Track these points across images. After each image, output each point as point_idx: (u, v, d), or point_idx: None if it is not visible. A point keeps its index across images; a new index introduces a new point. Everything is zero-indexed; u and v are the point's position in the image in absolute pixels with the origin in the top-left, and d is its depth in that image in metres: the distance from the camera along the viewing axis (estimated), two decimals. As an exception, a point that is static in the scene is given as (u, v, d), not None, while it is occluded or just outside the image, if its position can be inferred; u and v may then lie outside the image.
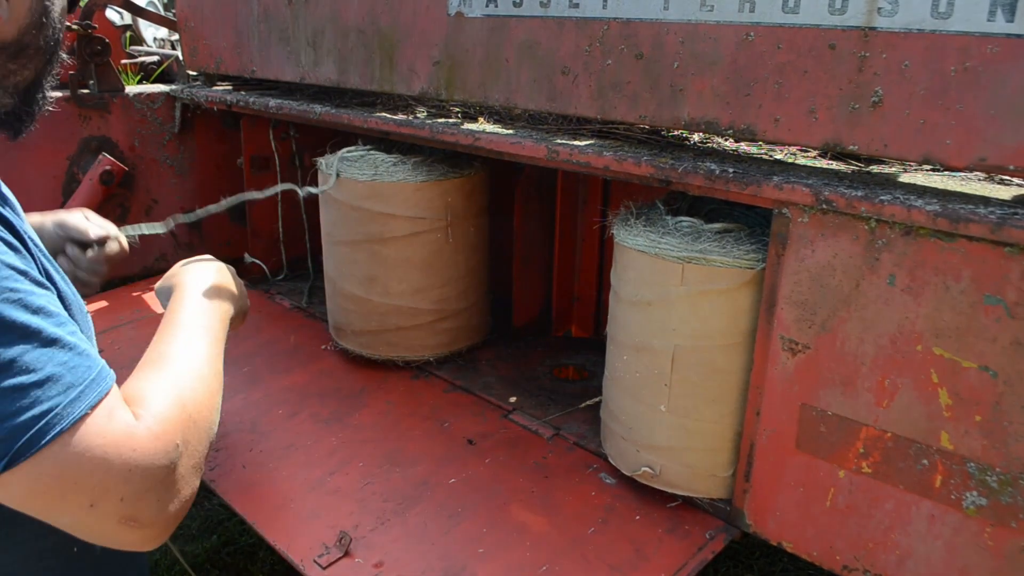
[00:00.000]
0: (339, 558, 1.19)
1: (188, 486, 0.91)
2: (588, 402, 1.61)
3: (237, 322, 1.27)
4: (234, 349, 1.88)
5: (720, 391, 1.21)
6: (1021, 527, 0.95)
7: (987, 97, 0.90)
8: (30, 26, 0.94)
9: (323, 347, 1.88)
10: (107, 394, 0.85)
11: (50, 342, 0.81)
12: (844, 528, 1.10)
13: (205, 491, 2.54)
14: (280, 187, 1.55)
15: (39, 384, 0.79)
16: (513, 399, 1.64)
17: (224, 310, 1.21)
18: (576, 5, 1.26)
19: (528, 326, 1.96)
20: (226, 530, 2.47)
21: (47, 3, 0.95)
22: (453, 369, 1.77)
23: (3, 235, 0.84)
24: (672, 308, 1.20)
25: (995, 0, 0.88)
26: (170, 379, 0.98)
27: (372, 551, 1.21)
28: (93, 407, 0.83)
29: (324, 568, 1.17)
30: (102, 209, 2.22)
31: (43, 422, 0.79)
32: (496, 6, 1.37)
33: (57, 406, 0.80)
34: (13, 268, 0.81)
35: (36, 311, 0.81)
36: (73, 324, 0.87)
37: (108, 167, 2.15)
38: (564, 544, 1.22)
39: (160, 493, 0.87)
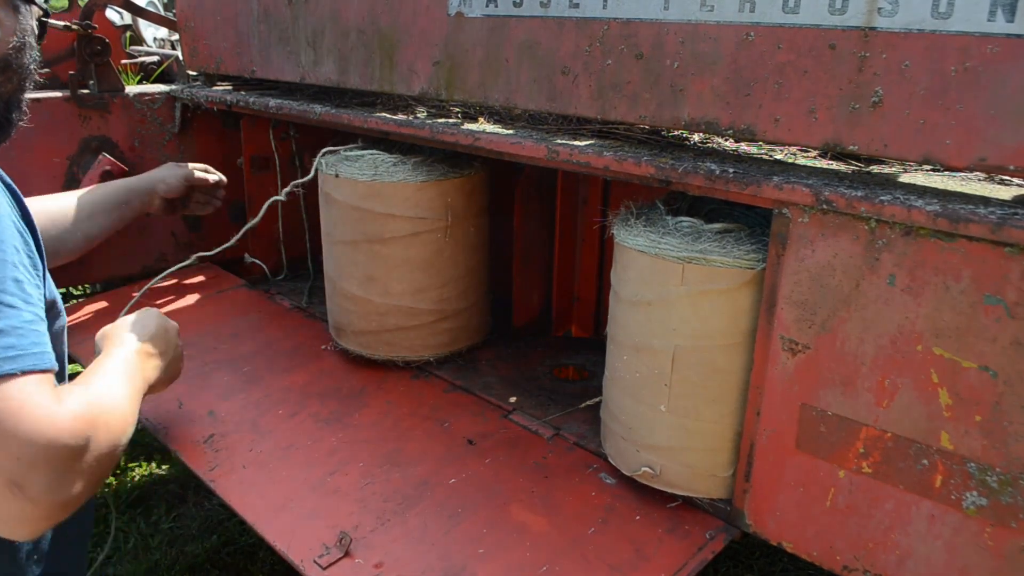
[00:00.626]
0: (339, 558, 1.19)
1: (83, 482, 0.96)
2: (588, 402, 1.61)
3: (161, 384, 1.41)
4: (234, 349, 1.89)
5: (720, 391, 1.21)
6: (1021, 527, 0.95)
7: (987, 97, 0.90)
8: (13, 47, 1.13)
9: (323, 347, 1.88)
10: (44, 371, 0.95)
11: (12, 308, 0.94)
12: (844, 528, 1.10)
13: (205, 491, 2.54)
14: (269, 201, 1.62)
15: None
16: (513, 399, 1.64)
17: (145, 369, 1.33)
18: (576, 5, 1.26)
19: (528, 326, 1.96)
20: (226, 530, 2.47)
21: (26, 26, 1.15)
22: (453, 369, 1.77)
23: (15, 220, 0.99)
24: (672, 308, 1.20)
25: (995, 0, 0.88)
26: (93, 393, 1.08)
27: (372, 551, 1.21)
28: (26, 372, 0.92)
29: (324, 568, 1.17)
30: (102, 209, 2.21)
31: None
32: (496, 6, 1.37)
33: None
34: (15, 246, 0.96)
35: (17, 281, 0.95)
36: (40, 311, 0.98)
37: (108, 167, 2.15)
38: (564, 544, 1.22)
39: (54, 473, 0.91)
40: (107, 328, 1.39)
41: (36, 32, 1.16)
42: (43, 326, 0.98)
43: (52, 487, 0.91)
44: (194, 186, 2.05)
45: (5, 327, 0.91)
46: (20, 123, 1.24)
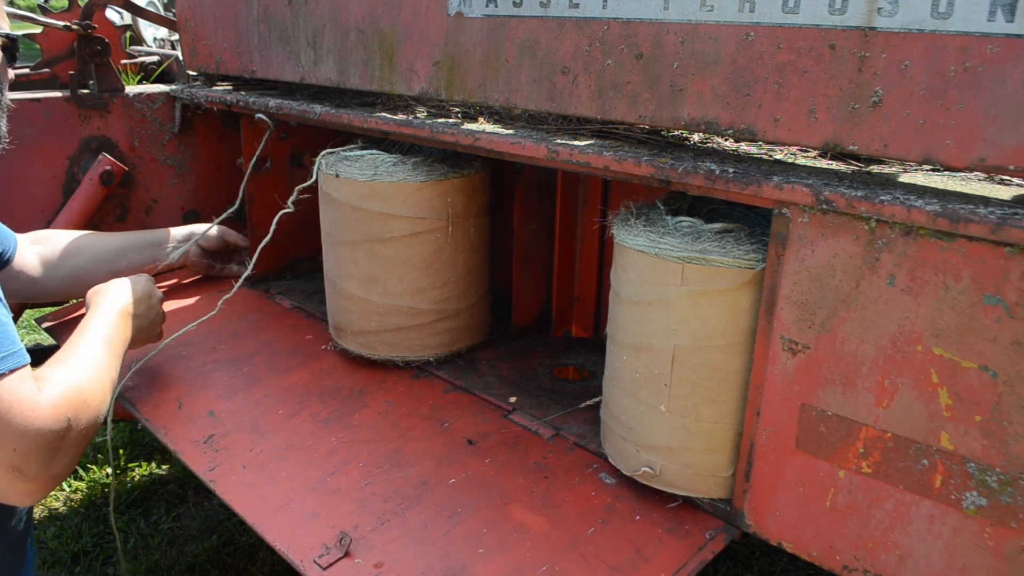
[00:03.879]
0: (339, 558, 1.19)
1: (70, 455, 1.14)
2: (588, 402, 1.61)
3: (138, 343, 1.60)
4: (234, 349, 1.89)
5: (720, 391, 1.21)
6: (1021, 527, 0.95)
7: (987, 97, 0.90)
8: None
9: (323, 347, 1.88)
10: (22, 366, 1.08)
11: None
12: (844, 528, 1.10)
13: (205, 491, 2.55)
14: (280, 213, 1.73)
15: None
16: (513, 399, 1.64)
17: (125, 329, 1.51)
18: (576, 5, 1.26)
19: (528, 326, 1.96)
20: (226, 530, 2.47)
21: None
22: (453, 369, 1.77)
23: None
24: (672, 308, 1.20)
25: (995, 0, 0.88)
26: (71, 370, 1.23)
27: (372, 551, 1.21)
28: (11, 371, 1.06)
29: (324, 568, 1.17)
30: (102, 209, 2.22)
31: None
32: (496, 6, 1.37)
33: None
34: None
35: None
36: (7, 312, 1.09)
37: (108, 167, 2.15)
38: (564, 544, 1.22)
39: (47, 453, 1.09)
40: (98, 287, 1.58)
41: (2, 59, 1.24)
42: (12, 323, 1.11)
43: (47, 464, 1.09)
44: (229, 244, 2.18)
45: None
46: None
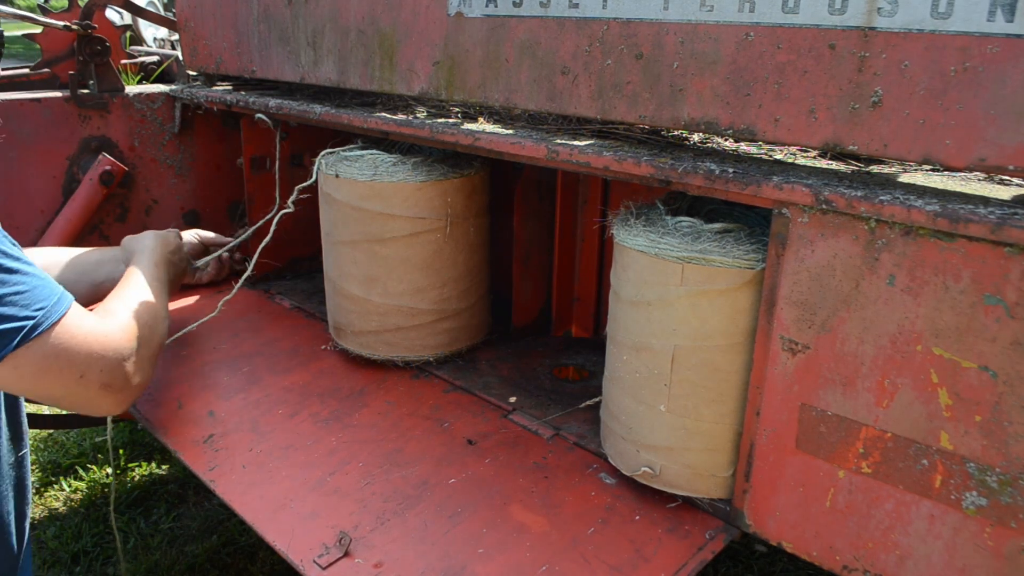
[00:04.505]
0: (339, 558, 1.19)
1: (146, 370, 1.37)
2: (588, 402, 1.61)
3: (177, 281, 1.84)
4: (234, 349, 1.89)
5: (720, 391, 1.21)
6: (1021, 527, 0.95)
7: (987, 97, 0.90)
8: None
9: (323, 347, 1.88)
10: (72, 304, 1.22)
11: (29, 266, 1.15)
12: (844, 528, 1.10)
13: (205, 491, 2.55)
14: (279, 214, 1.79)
15: (31, 291, 1.13)
16: (513, 399, 1.64)
17: (163, 271, 1.70)
18: (576, 5, 1.26)
19: (528, 326, 1.96)
20: (226, 530, 2.47)
21: None
22: (453, 369, 1.77)
23: None
24: (672, 308, 1.20)
25: (995, 0, 0.88)
26: (130, 302, 1.45)
27: (372, 551, 1.21)
28: (68, 309, 1.19)
29: (324, 568, 1.17)
30: (102, 209, 2.22)
31: (41, 314, 1.14)
32: (496, 6, 1.37)
33: (47, 305, 1.15)
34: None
35: (15, 258, 1.13)
36: (36, 266, 1.20)
37: (108, 167, 2.15)
38: (564, 544, 1.22)
39: (127, 367, 1.30)
40: (131, 237, 1.79)
41: None
42: (45, 272, 1.21)
43: (129, 377, 1.30)
44: (208, 245, 2.20)
45: (37, 283, 1.14)
46: None
